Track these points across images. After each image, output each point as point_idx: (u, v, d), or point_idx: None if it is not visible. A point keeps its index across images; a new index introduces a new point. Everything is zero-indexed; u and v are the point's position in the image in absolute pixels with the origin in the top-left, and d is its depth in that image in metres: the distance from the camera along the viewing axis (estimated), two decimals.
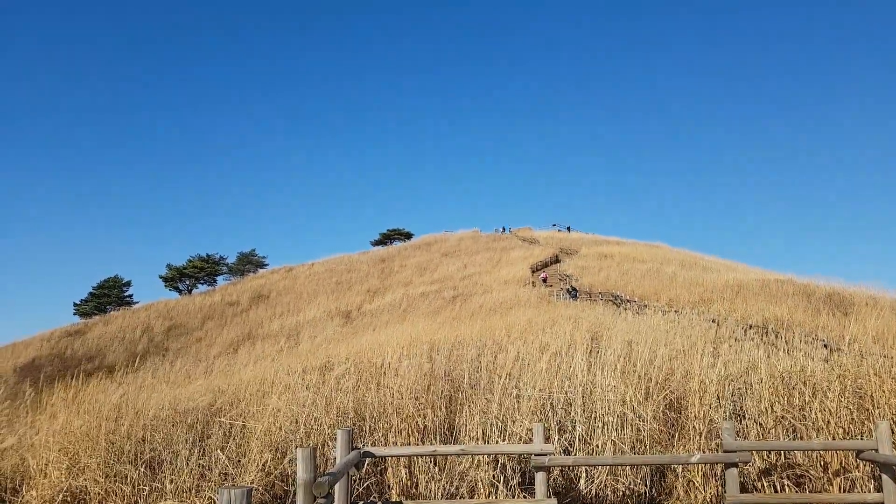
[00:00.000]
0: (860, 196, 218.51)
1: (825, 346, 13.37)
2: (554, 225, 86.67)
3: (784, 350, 8.50)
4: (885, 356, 8.14)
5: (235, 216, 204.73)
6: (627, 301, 28.33)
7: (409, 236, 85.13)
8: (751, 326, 19.57)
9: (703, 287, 33.02)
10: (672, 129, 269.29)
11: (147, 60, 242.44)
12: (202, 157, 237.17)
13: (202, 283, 69.58)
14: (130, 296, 67.87)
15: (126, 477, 6.60)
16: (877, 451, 5.93)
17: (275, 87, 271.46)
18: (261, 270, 71.15)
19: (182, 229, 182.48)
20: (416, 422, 7.52)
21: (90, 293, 66.70)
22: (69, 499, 6.42)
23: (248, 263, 74.81)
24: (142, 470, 6.64)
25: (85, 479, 6.61)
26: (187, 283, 68.66)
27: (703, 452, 6.75)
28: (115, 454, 6.88)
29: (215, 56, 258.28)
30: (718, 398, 7.36)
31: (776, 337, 15.50)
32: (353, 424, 7.67)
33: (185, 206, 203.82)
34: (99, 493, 6.36)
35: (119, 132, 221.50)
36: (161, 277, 69.06)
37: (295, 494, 6.51)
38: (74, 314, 65.11)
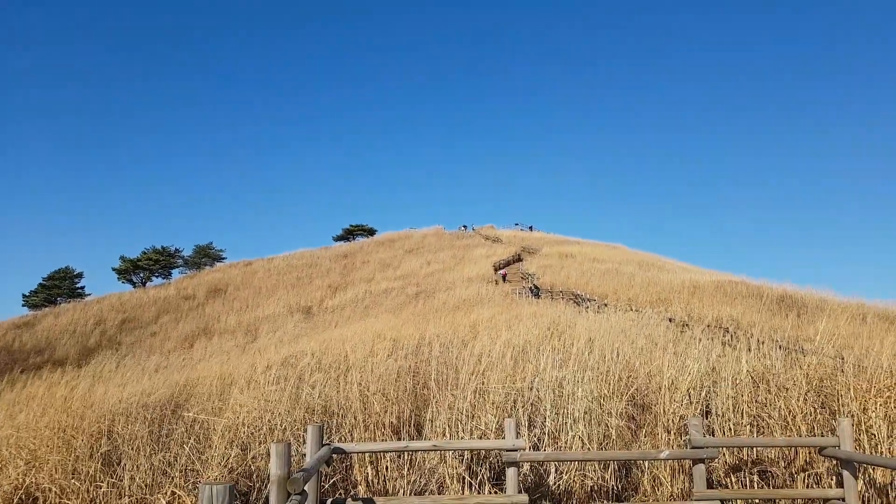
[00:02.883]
0: (811, 201, 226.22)
1: (780, 346, 13.77)
2: (516, 224, 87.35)
3: (747, 349, 8.69)
4: (841, 357, 8.41)
5: (193, 208, 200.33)
6: (588, 300, 28.69)
7: (372, 232, 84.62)
8: (708, 325, 20.03)
9: (660, 287, 33.66)
10: (633, 132, 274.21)
11: (108, 51, 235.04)
12: (160, 148, 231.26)
13: (157, 276, 67.94)
14: (82, 288, 65.85)
15: (83, 473, 6.35)
16: (838, 447, 6.11)
17: (236, 80, 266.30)
18: (218, 264, 69.79)
19: (137, 220, 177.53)
20: (383, 418, 7.45)
21: (40, 284, 64.44)
22: (24, 497, 6.15)
23: (205, 257, 73.31)
24: (98, 466, 6.39)
25: (41, 477, 6.34)
26: (142, 275, 66.91)
27: (672, 448, 6.85)
28: (72, 450, 6.62)
29: (175, 46, 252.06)
30: (689, 395, 7.49)
31: (733, 336, 15.92)
32: (321, 421, 7.55)
33: (141, 196, 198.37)
34: (55, 492, 6.11)
35: (75, 120, 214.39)
36: (114, 269, 67.19)
37: (259, 491, 6.39)
38: (23, 306, 62.87)
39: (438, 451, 6.60)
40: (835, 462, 6.37)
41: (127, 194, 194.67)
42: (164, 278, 67.33)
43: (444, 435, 7.16)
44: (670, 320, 20.85)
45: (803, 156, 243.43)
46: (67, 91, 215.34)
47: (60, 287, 63.71)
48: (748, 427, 7.20)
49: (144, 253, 68.16)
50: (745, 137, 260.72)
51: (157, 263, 67.61)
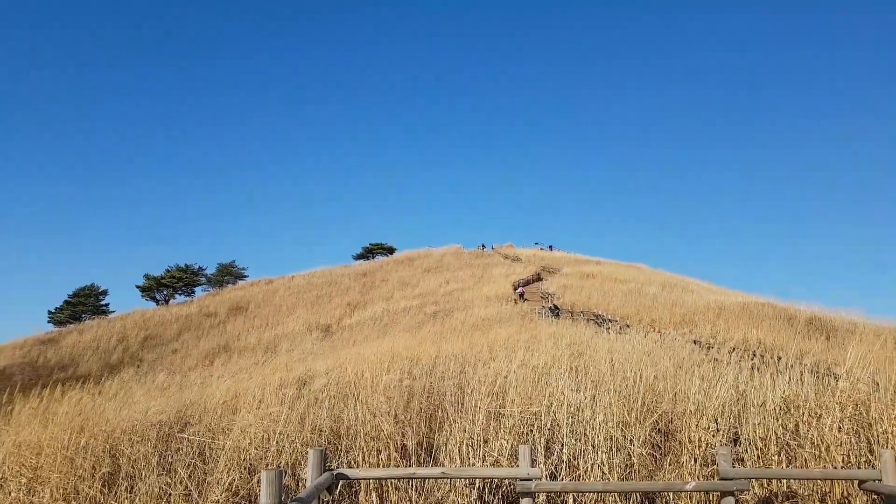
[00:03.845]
0: (841, 222, 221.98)
1: (809, 371, 13.25)
2: (536, 243, 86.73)
3: (777, 374, 8.28)
4: (875, 383, 7.96)
5: (216, 227, 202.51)
6: (609, 320, 28.15)
7: (391, 251, 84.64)
8: (734, 349, 19.46)
9: (684, 308, 32.98)
10: (656, 151, 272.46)
11: (129, 63, 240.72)
12: (184, 166, 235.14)
13: (180, 294, 68.48)
14: (107, 305, 66.53)
15: (84, 494, 6.16)
16: (880, 480, 5.68)
17: (259, 98, 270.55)
18: (240, 282, 70.22)
19: (161, 239, 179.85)
20: (395, 441, 7.17)
21: (65, 301, 65.27)
22: None
23: (228, 275, 73.82)
24: (100, 486, 6.20)
25: (43, 495, 6.17)
26: (165, 293, 67.52)
27: (698, 479, 6.47)
28: (75, 469, 6.45)
29: (198, 62, 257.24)
30: (716, 422, 7.10)
31: (761, 360, 15.38)
32: (329, 443, 7.30)
33: (165, 215, 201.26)
34: None
35: (99, 138, 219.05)
36: (138, 287, 67.89)
37: None
38: (48, 322, 63.63)
39: (448, 479, 6.29)
40: (875, 497, 5.94)
41: (153, 213, 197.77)
42: (186, 296, 67.87)
43: (456, 460, 6.85)
44: (695, 342, 20.33)
45: (831, 173, 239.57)
46: (95, 108, 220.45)
47: (85, 304, 64.48)
48: (778, 456, 6.79)
49: (168, 271, 68.86)
50: (770, 156, 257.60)
51: (180, 281, 68.21)
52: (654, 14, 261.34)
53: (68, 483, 6.25)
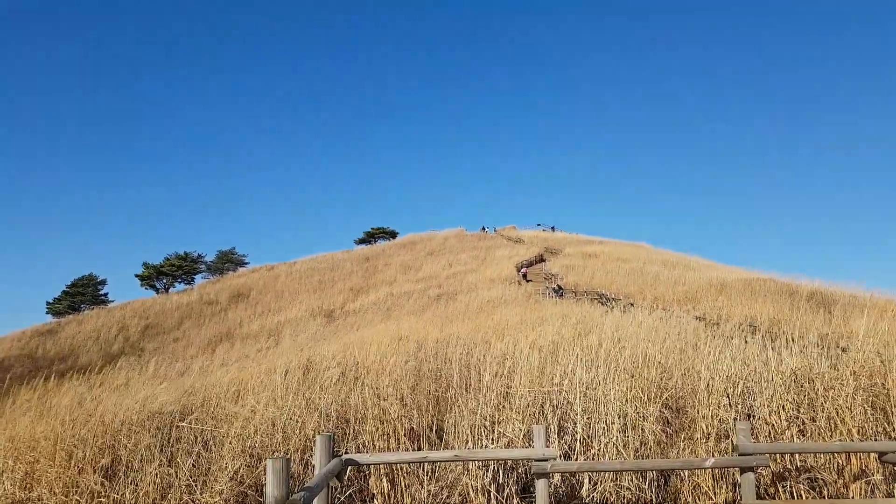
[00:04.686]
0: (840, 196, 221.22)
1: (816, 344, 13.08)
2: (538, 224, 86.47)
3: (785, 347, 8.10)
4: (879, 353, 7.77)
5: (215, 214, 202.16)
6: (613, 299, 28.01)
7: (393, 235, 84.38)
8: (739, 324, 19.31)
9: (686, 286, 32.85)
10: (654, 130, 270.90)
11: (127, 56, 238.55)
12: (182, 154, 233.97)
13: (180, 282, 68.33)
14: (106, 294, 66.44)
15: (84, 487, 6.00)
16: None
17: (257, 84, 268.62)
18: (241, 269, 70.02)
19: (160, 226, 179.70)
20: (403, 424, 7.01)
21: (64, 291, 65.13)
22: None
23: (228, 262, 73.62)
24: (100, 479, 6.04)
25: (40, 490, 6.01)
26: (164, 281, 67.36)
27: (714, 456, 6.30)
28: (74, 462, 6.28)
29: (194, 51, 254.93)
30: (728, 397, 6.92)
31: (768, 335, 15.23)
32: (336, 427, 7.13)
33: (164, 202, 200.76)
34: None
35: (95, 128, 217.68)
36: (137, 276, 67.69)
37: None
38: (47, 313, 63.58)
39: (461, 462, 6.12)
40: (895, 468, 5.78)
41: (150, 201, 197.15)
42: (187, 284, 67.73)
43: (466, 442, 6.68)
44: (699, 319, 20.18)
45: (831, 150, 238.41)
46: (90, 96, 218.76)
47: (84, 294, 64.35)
48: (792, 430, 6.62)
49: (167, 259, 68.64)
50: (767, 133, 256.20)
51: (180, 269, 68.03)
52: (650, 10, 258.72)
53: (67, 476, 6.09)
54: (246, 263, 73.64)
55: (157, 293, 63.82)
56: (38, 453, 6.27)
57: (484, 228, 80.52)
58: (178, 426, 7.08)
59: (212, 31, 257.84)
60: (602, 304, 26.63)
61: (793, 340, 9.57)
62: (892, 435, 6.32)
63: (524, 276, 41.49)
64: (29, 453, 6.30)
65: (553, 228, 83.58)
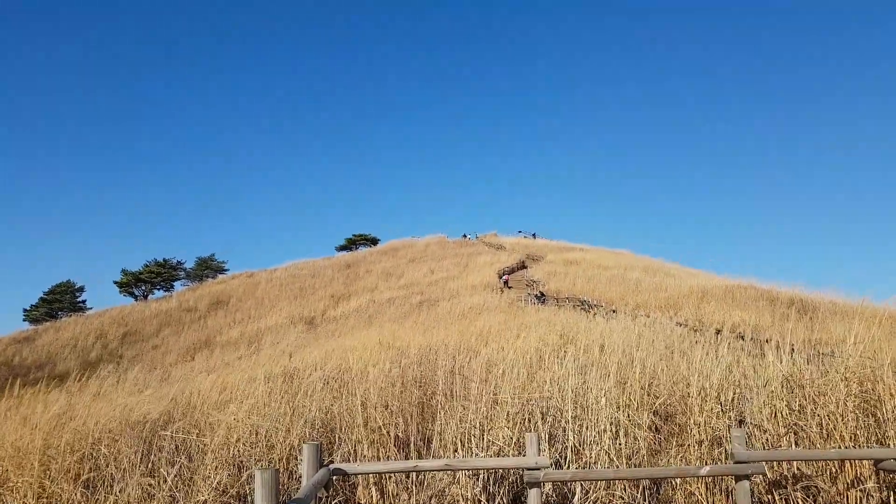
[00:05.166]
0: (818, 201, 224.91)
1: (798, 350, 13.19)
2: (520, 231, 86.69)
3: (772, 354, 8.13)
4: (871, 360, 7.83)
5: (194, 220, 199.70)
6: (596, 306, 28.12)
7: (375, 242, 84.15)
8: (720, 331, 19.46)
9: (668, 292, 33.13)
10: (635, 137, 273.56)
11: (102, 56, 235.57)
12: (161, 159, 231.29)
13: (159, 289, 67.47)
14: (84, 302, 65.42)
15: (61, 498, 5.80)
16: None
17: (237, 91, 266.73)
18: (220, 276, 69.33)
19: (139, 233, 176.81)
20: (390, 432, 6.90)
21: (41, 298, 64.03)
22: None
23: (207, 269, 72.90)
24: (79, 489, 5.85)
25: (13, 501, 5.80)
26: (143, 288, 66.46)
27: (706, 462, 6.28)
28: (50, 473, 6.07)
29: (178, 58, 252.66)
30: (720, 403, 6.91)
31: (752, 342, 15.34)
32: (322, 436, 7.00)
33: (142, 209, 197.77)
34: None
35: (72, 130, 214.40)
36: (116, 283, 66.74)
37: None
38: (24, 320, 62.43)
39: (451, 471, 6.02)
40: (892, 476, 5.79)
41: (128, 207, 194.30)
42: (165, 291, 66.91)
43: (455, 451, 6.59)
44: (681, 325, 20.32)
45: (805, 155, 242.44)
46: (67, 95, 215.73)
47: (62, 301, 63.31)
48: (786, 437, 6.62)
49: (146, 266, 67.77)
50: (744, 139, 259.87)
51: (158, 276, 67.20)
52: (640, 11, 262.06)
53: (42, 487, 5.89)
54: (225, 270, 73.04)
55: (136, 300, 62.93)
56: (10, 463, 6.06)
57: (465, 235, 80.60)
58: (159, 435, 6.91)
59: (187, 27, 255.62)
60: (584, 310, 26.71)
61: (778, 346, 9.62)
62: (885, 442, 6.34)
63: (506, 282, 41.54)
64: (2, 462, 6.09)
65: (535, 235, 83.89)
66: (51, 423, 6.92)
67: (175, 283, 68.94)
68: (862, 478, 6.04)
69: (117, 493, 5.79)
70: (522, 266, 52.70)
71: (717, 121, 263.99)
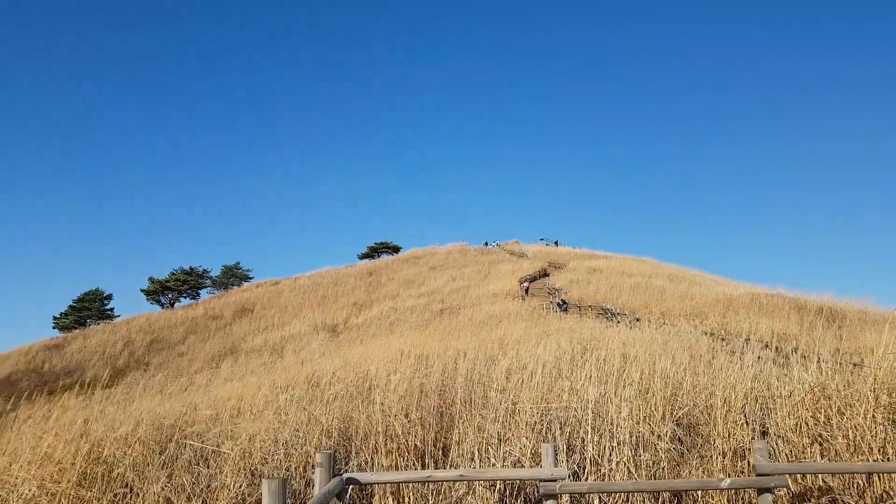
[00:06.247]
0: (847, 210, 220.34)
1: (825, 360, 12.87)
2: (542, 239, 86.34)
3: (798, 363, 7.95)
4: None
5: (221, 229, 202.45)
6: (619, 314, 27.82)
7: (396, 250, 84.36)
8: (747, 339, 19.12)
9: (693, 300, 32.65)
10: (657, 145, 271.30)
11: (128, 65, 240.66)
12: (187, 168, 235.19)
13: (185, 297, 68.35)
14: (111, 309, 66.47)
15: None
16: None
17: (261, 100, 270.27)
18: (245, 284, 70.13)
19: (165, 242, 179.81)
20: (408, 440, 6.87)
21: (70, 306, 65.21)
22: None
23: (233, 277, 73.76)
24: (99, 495, 5.92)
25: None
26: (170, 296, 67.37)
27: (728, 474, 6.15)
28: (86, 481, 6.16)
29: (200, 63, 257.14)
30: (744, 414, 6.77)
31: (778, 351, 15.04)
32: (338, 444, 7.00)
33: (169, 218, 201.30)
34: None
35: (100, 141, 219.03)
36: (143, 291, 67.79)
37: None
38: (54, 328, 63.61)
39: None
40: None
41: (156, 216, 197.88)
42: (192, 299, 67.77)
43: (472, 460, 6.54)
44: (707, 334, 20.00)
45: (840, 164, 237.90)
46: (96, 111, 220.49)
47: (90, 309, 64.41)
48: (811, 449, 6.46)
49: (173, 274, 68.71)
50: (775, 147, 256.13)
51: (185, 284, 68.08)
52: (657, 15, 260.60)
53: (79, 497, 5.97)
54: (250, 278, 73.83)
55: (163, 308, 63.86)
56: (45, 470, 6.15)
57: (487, 243, 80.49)
58: (179, 442, 6.97)
59: (216, 46, 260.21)
60: (607, 318, 26.46)
61: (804, 357, 9.41)
62: None
63: (527, 290, 41.34)
64: (39, 470, 6.19)
65: (556, 243, 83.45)
66: (75, 429, 7.03)
67: (201, 291, 69.84)
68: (892, 492, 5.86)
69: (136, 502, 5.85)
70: (544, 274, 52.43)
71: (743, 129, 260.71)
